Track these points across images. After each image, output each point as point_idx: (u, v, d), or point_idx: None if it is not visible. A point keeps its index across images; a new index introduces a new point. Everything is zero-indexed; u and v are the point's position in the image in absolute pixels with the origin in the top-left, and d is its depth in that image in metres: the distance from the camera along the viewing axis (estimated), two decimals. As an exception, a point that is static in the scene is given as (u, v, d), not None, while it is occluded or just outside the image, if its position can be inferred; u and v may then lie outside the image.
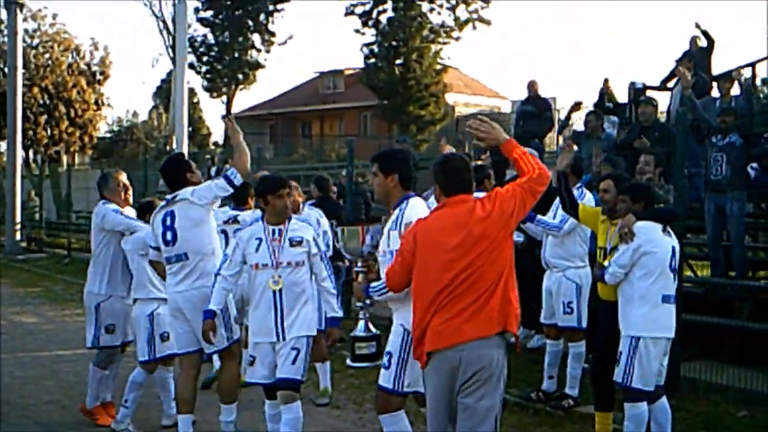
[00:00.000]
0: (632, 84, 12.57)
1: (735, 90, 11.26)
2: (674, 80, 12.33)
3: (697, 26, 12.56)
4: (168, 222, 6.28)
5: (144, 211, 6.98)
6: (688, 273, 10.04)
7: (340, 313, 6.02)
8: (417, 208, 4.99)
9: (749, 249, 11.31)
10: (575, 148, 7.46)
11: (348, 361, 7.88)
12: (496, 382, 4.36)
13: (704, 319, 8.44)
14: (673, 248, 5.93)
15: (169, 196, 6.40)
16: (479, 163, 9.94)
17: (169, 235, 6.27)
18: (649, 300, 5.77)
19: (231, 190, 6.40)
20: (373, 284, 4.92)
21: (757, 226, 11.46)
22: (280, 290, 5.80)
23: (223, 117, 7.76)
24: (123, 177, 7.33)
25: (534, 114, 13.54)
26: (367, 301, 5.10)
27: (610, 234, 6.35)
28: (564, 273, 7.42)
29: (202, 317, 5.95)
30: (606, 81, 12.62)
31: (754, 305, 8.90)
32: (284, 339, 5.81)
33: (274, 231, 5.90)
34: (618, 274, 5.87)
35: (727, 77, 11.29)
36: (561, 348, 7.63)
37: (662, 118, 12.77)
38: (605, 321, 6.25)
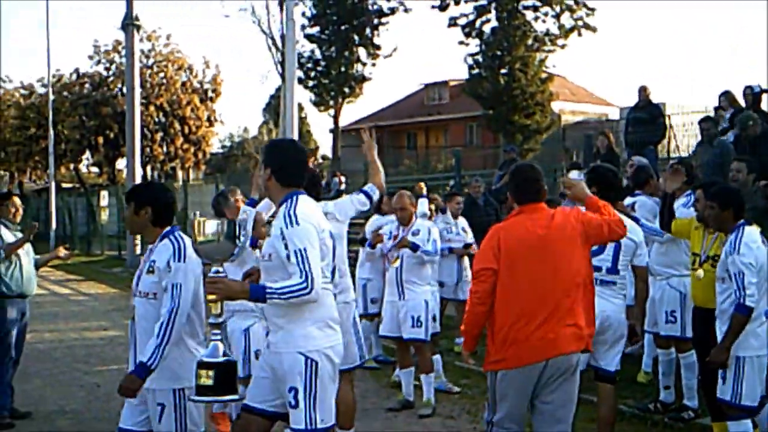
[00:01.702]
0: (749, 88, 12.15)
1: None
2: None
3: None
4: None
5: None
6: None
7: (150, 361, 4.45)
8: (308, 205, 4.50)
9: None
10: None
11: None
12: None
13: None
14: None
15: None
16: (642, 162, 9.77)
17: None
18: (756, 316, 5.53)
19: (369, 206, 6.35)
20: (280, 285, 4.24)
21: None
22: (134, 325, 4.76)
23: (363, 129, 7.79)
24: (239, 194, 7.47)
25: (646, 120, 13.32)
26: (221, 318, 4.35)
27: (706, 242, 6.25)
28: (668, 281, 7.26)
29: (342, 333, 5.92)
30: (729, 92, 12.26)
31: None
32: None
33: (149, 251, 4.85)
34: (756, 293, 5.48)
35: None
36: (674, 357, 7.47)
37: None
38: (704, 330, 6.13)
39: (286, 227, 4.33)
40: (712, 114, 12.74)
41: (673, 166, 6.98)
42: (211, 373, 4.23)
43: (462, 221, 10.42)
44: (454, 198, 10.67)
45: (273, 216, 4.73)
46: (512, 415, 4.91)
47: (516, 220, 5.02)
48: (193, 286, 4.62)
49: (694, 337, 6.68)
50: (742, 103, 12.16)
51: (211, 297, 4.28)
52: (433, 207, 9.86)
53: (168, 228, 4.78)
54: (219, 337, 4.22)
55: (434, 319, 8.32)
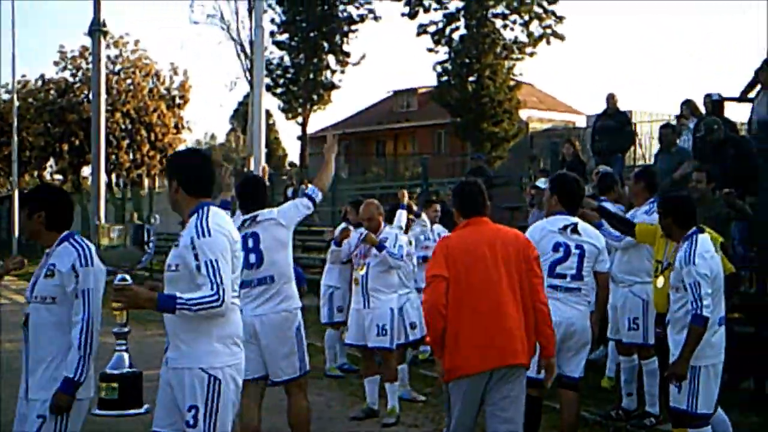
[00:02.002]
0: (708, 96, 12.31)
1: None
2: (755, 90, 12.05)
3: None
4: (251, 244, 6.03)
5: None
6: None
7: (77, 376, 4.43)
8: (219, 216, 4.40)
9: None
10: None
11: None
12: None
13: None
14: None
15: (246, 217, 6.19)
16: (605, 169, 9.87)
17: (253, 258, 6.01)
18: (711, 325, 5.49)
19: (312, 209, 6.31)
20: (190, 295, 4.08)
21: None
22: (27, 334, 4.63)
23: (331, 133, 7.77)
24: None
25: (614, 128, 13.36)
26: (126, 328, 4.10)
27: (668, 250, 6.27)
28: (630, 288, 7.29)
29: (277, 342, 5.92)
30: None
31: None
32: (26, 398, 4.58)
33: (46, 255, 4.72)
34: (711, 303, 5.47)
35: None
36: (636, 364, 7.50)
37: (742, 130, 12.53)
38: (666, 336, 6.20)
39: (198, 237, 4.19)
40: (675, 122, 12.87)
41: (587, 204, 6.86)
42: (115, 385, 4.03)
43: (439, 227, 10.35)
44: (432, 205, 10.64)
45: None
46: (463, 423, 5.06)
47: (463, 232, 5.28)
48: (102, 292, 4.50)
49: (657, 343, 6.71)
50: (704, 111, 12.29)
51: (116, 305, 4.10)
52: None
53: (66, 232, 4.65)
54: (124, 348, 4.06)
55: (413, 326, 8.31)
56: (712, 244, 5.72)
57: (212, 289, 4.07)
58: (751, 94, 12.16)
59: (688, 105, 12.43)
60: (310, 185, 6.46)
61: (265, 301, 6.03)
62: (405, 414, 7.93)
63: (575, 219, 6.28)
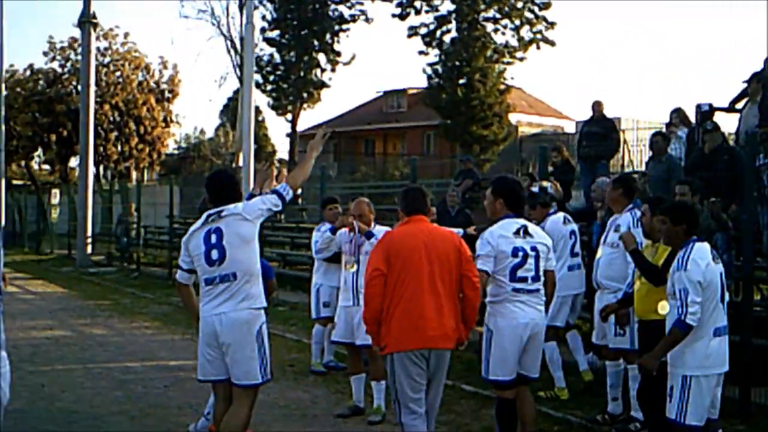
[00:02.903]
0: (698, 106, 12.40)
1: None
2: (743, 101, 12.16)
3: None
4: (213, 240, 5.82)
5: None
6: (758, 297, 9.87)
7: None
8: None
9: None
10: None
11: None
12: None
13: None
14: (721, 275, 5.59)
15: (212, 212, 5.94)
16: (535, 190, 10.00)
17: (215, 254, 5.80)
18: (703, 335, 5.43)
19: (281, 206, 6.12)
20: None
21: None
22: None
23: (323, 131, 7.65)
24: None
25: (600, 135, 13.44)
26: None
27: (654, 257, 6.31)
28: (615, 294, 7.26)
29: (238, 343, 5.71)
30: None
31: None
32: None
33: None
34: (699, 312, 5.37)
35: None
36: (622, 369, 7.55)
37: (731, 139, 12.63)
38: (642, 340, 6.35)
39: None
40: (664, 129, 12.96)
41: (623, 234, 6.78)
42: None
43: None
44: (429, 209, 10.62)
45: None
46: (404, 392, 5.74)
47: (404, 227, 6.01)
48: None
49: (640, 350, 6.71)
50: (693, 120, 12.39)
51: None
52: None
53: None
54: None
55: None
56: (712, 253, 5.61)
57: None
58: (740, 105, 12.28)
59: (677, 113, 12.53)
60: (283, 183, 6.19)
61: (227, 299, 5.79)
62: (391, 412, 7.94)
63: (523, 221, 6.37)
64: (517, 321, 6.09)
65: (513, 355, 6.10)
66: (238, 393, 5.86)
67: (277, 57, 42.97)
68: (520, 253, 6.15)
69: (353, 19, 42.81)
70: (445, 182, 19.69)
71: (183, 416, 7.82)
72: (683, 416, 5.43)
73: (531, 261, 6.17)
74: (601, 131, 13.47)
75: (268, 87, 43.01)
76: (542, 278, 6.26)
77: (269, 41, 42.83)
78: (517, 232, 6.22)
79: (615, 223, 7.48)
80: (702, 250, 5.52)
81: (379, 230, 8.03)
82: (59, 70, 42.08)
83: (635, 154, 21.73)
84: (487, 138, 36.59)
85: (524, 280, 6.13)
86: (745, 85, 12.11)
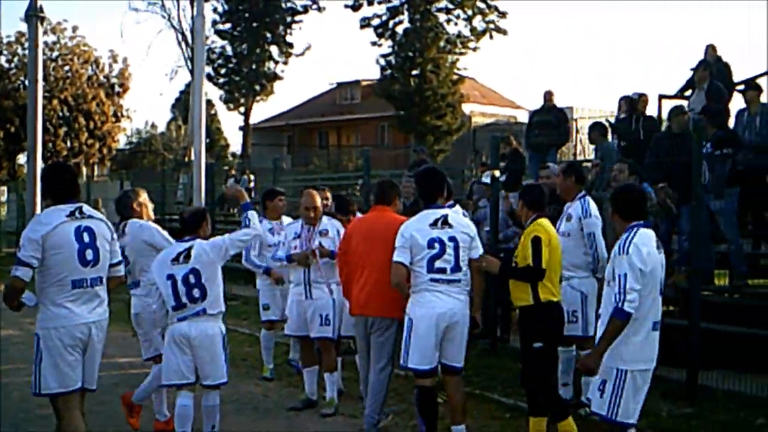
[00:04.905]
0: (628, 96, 12.73)
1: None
2: (691, 90, 12.32)
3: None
4: (86, 239, 5.63)
5: (191, 223, 6.68)
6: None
7: None
8: None
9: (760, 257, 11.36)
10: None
11: None
12: None
13: (721, 328, 8.45)
14: (662, 265, 5.35)
15: (72, 208, 5.67)
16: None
17: (90, 254, 5.64)
18: (642, 327, 5.19)
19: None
20: None
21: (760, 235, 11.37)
22: None
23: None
24: (143, 195, 7.36)
25: (551, 124, 13.54)
26: None
27: (522, 243, 6.39)
28: (569, 282, 7.27)
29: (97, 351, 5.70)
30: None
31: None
32: None
33: None
34: (637, 299, 5.09)
35: (750, 87, 11.02)
36: (573, 355, 7.59)
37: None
38: (524, 327, 6.45)
39: None
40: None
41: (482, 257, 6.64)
42: None
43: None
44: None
45: None
46: (360, 349, 7.03)
47: (367, 215, 7.11)
48: None
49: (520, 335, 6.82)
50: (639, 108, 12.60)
51: None
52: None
53: None
54: None
55: None
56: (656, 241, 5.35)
57: None
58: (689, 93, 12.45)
59: (626, 101, 12.69)
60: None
61: (98, 304, 5.75)
62: (343, 404, 7.93)
63: (444, 211, 6.41)
64: (434, 310, 6.21)
65: (430, 344, 6.21)
66: (67, 401, 5.69)
67: (228, 49, 42.73)
68: (437, 244, 6.22)
69: (305, 10, 42.65)
70: (399, 173, 19.67)
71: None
72: (615, 413, 5.17)
73: (450, 251, 6.24)
74: (552, 120, 13.59)
75: (220, 80, 42.72)
76: (464, 268, 6.31)
77: (220, 33, 42.52)
78: (434, 223, 6.30)
79: (567, 212, 7.51)
80: (645, 236, 5.25)
81: (328, 222, 7.99)
82: (6, 65, 41.44)
83: (586, 144, 21.89)
84: (441, 128, 36.71)
85: (443, 270, 6.22)
86: (692, 72, 12.31)
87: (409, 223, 6.38)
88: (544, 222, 6.45)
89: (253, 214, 6.74)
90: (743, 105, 10.71)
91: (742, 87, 11.59)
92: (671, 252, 9.63)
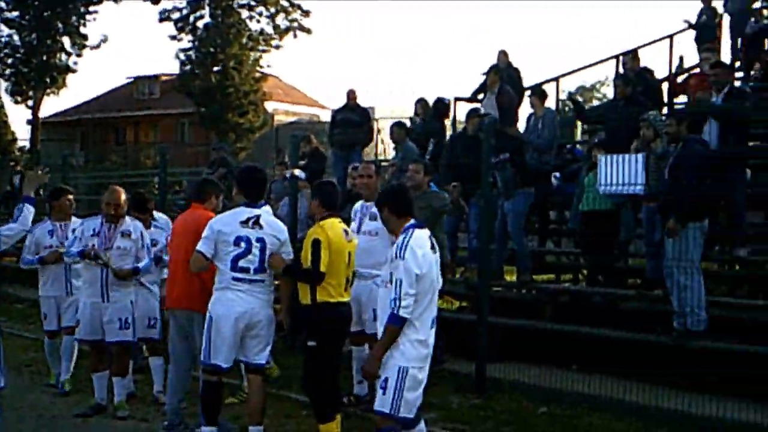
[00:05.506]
0: (440, 99, 13.14)
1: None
2: (483, 93, 12.82)
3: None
4: None
5: None
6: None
7: None
8: None
9: (556, 254, 12.04)
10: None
11: None
12: None
13: (507, 322, 8.87)
14: (437, 264, 5.47)
15: None
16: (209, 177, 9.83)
17: None
18: (421, 326, 5.30)
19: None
20: None
21: (560, 232, 12.08)
22: None
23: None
24: None
25: (355, 122, 13.65)
26: None
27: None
28: (374, 281, 7.15)
29: None
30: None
31: (555, 308, 9.47)
32: None
33: None
34: (411, 305, 5.21)
35: (535, 93, 11.60)
36: (366, 353, 7.66)
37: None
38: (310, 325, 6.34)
39: None
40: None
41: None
42: None
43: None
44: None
45: None
46: (174, 345, 7.07)
47: (186, 213, 7.25)
48: None
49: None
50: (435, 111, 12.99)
51: None
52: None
53: None
54: None
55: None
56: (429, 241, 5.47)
57: None
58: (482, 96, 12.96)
59: (420, 103, 13.05)
60: None
61: None
62: (134, 408, 7.71)
63: (258, 211, 6.40)
64: (234, 309, 6.22)
65: (230, 342, 6.23)
66: None
67: (16, 39, 40.26)
68: (243, 243, 6.22)
69: (100, 0, 40.90)
70: (199, 171, 19.29)
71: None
72: (397, 409, 5.27)
73: (255, 252, 6.24)
74: (355, 118, 13.70)
75: (7, 71, 40.23)
76: (268, 270, 6.31)
77: (7, 22, 40.02)
78: (246, 222, 6.28)
79: (370, 211, 7.45)
80: (420, 237, 5.36)
81: (131, 223, 7.72)
82: None
83: (388, 144, 22.31)
84: (243, 126, 36.39)
85: (246, 270, 6.23)
86: (484, 76, 12.82)
87: (220, 218, 6.41)
88: (329, 223, 6.32)
89: (30, 210, 6.07)
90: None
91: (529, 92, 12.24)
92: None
